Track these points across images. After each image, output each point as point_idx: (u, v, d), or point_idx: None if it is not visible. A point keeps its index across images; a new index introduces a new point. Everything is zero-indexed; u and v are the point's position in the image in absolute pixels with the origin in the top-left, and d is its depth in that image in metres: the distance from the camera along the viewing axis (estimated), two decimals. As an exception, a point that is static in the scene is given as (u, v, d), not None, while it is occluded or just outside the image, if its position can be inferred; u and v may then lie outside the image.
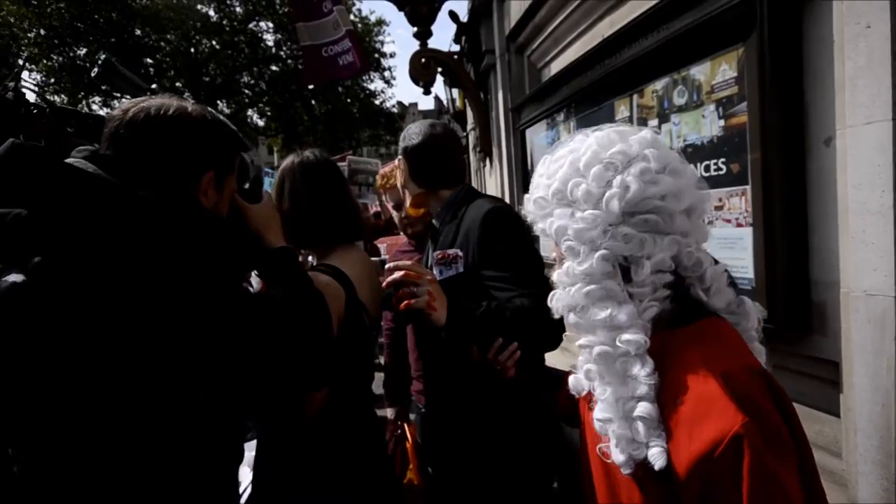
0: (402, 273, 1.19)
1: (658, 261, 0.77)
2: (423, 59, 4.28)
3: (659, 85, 2.12)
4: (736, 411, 0.64)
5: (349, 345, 1.33)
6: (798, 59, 1.55)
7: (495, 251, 1.35)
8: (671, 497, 0.70)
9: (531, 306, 1.23)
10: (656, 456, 0.69)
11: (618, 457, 0.73)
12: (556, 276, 0.84)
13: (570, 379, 0.87)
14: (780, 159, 1.56)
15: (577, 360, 0.84)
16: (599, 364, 0.78)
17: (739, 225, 1.73)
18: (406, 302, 1.17)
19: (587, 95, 2.75)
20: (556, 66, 3.52)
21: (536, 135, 3.64)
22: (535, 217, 0.89)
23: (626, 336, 0.75)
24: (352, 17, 18.03)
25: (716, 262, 0.85)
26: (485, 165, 4.68)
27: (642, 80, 2.21)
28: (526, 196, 0.91)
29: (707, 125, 1.86)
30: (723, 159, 1.79)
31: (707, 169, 1.85)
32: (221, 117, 1.07)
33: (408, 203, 1.67)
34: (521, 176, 3.89)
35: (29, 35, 13.76)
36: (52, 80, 14.26)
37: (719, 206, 1.80)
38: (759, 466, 0.62)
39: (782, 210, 1.57)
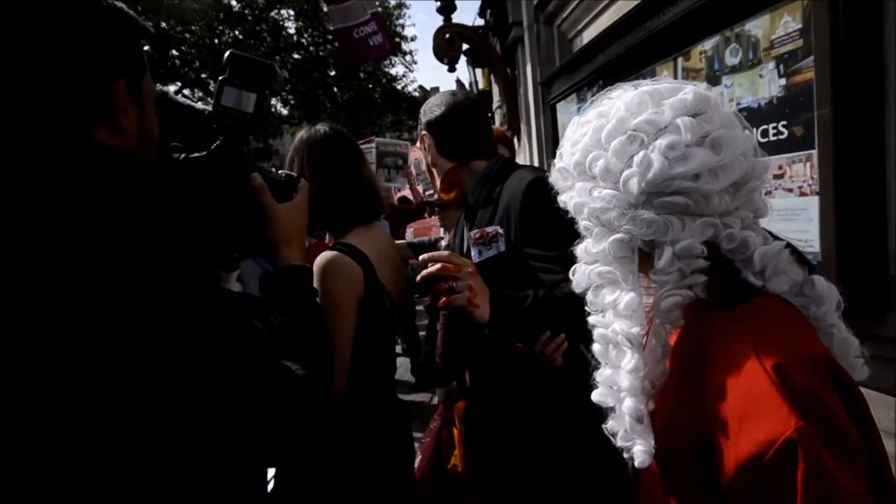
0: (438, 266, 1.05)
1: (684, 247, 0.68)
2: (447, 35, 4.13)
3: (708, 45, 1.95)
4: (789, 413, 0.55)
5: (369, 329, 1.25)
6: (876, 3, 1.37)
7: (540, 227, 1.20)
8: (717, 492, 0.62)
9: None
10: (638, 454, 0.68)
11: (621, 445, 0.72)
12: (578, 250, 0.79)
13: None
14: (855, 116, 1.39)
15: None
16: (601, 344, 0.76)
17: (803, 194, 1.57)
18: (445, 299, 1.04)
19: (624, 63, 2.58)
20: (588, 35, 3.33)
21: (567, 110, 3.47)
22: (558, 188, 0.82)
23: (617, 325, 0.71)
24: None
25: (774, 237, 0.73)
26: (514, 144, 4.53)
27: (688, 41, 2.04)
28: (553, 162, 0.82)
29: (765, 85, 1.69)
30: (783, 122, 1.62)
31: (765, 134, 1.68)
32: None
33: (438, 184, 1.52)
34: (552, 154, 3.73)
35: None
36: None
37: (779, 175, 1.64)
38: (817, 473, 0.54)
39: (857, 174, 1.41)
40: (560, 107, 3.55)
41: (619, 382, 0.71)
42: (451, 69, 4.32)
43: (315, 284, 1.15)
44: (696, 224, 0.68)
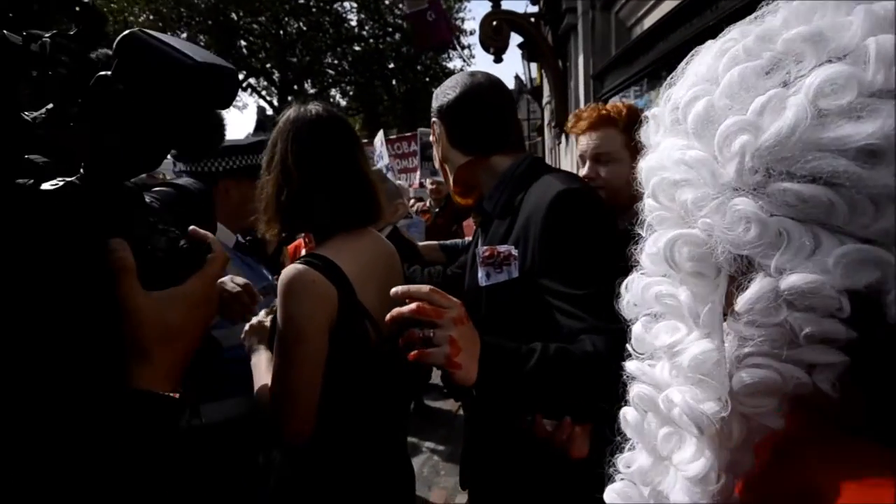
0: (412, 307, 0.76)
1: (802, 285, 0.34)
2: (494, 23, 3.83)
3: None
4: None
5: (344, 363, 1.00)
6: None
7: (566, 254, 0.92)
8: None
9: (607, 353, 0.82)
10: None
11: None
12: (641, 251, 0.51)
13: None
14: None
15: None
16: (637, 411, 0.48)
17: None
18: (419, 352, 0.75)
19: (690, 51, 2.20)
20: (650, 22, 2.94)
21: (621, 106, 3.10)
22: (645, 146, 0.52)
23: (677, 391, 0.42)
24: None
25: None
26: (560, 143, 4.18)
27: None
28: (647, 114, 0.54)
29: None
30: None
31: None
32: None
33: (451, 183, 1.21)
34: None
35: (139, 20, 14.92)
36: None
37: None
38: None
39: None
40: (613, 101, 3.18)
41: (665, 491, 0.44)
42: (498, 59, 4.02)
43: (276, 303, 0.98)
44: (842, 251, 0.34)
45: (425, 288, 0.79)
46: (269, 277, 1.70)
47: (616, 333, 0.81)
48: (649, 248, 0.47)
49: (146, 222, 0.61)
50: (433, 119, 1.17)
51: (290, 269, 1.00)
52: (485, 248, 1.04)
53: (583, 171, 1.50)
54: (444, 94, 1.15)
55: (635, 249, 0.50)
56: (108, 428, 0.50)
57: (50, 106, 0.61)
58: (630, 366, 0.49)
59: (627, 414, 0.49)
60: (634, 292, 0.49)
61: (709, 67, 0.41)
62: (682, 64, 0.49)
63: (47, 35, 0.59)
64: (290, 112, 1.12)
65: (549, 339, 0.87)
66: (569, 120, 1.63)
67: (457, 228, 3.74)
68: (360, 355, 1.03)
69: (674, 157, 0.42)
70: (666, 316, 0.46)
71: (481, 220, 1.21)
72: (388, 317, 0.78)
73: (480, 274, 1.04)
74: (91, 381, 0.53)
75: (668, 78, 0.48)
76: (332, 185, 1.08)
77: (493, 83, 1.16)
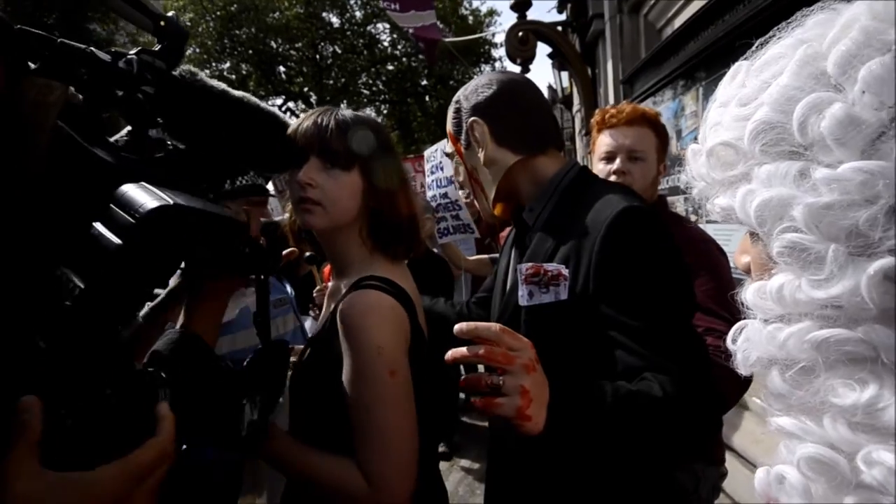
0: (481, 350, 0.67)
1: None
2: (520, 34, 3.81)
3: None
4: None
5: (422, 394, 0.90)
6: None
7: (627, 281, 0.82)
8: None
9: (676, 396, 0.74)
10: None
11: None
12: (751, 295, 0.44)
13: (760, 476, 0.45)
14: None
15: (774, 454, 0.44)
16: (809, 476, 0.39)
17: None
18: (485, 401, 0.68)
19: (725, 48, 2.10)
20: (680, 22, 2.84)
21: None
22: (706, 186, 0.48)
23: (887, 456, 0.34)
24: (462, 9, 18.16)
25: None
26: (591, 151, 4.08)
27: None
28: (691, 150, 0.49)
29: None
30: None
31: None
32: None
33: (491, 193, 1.05)
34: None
35: (187, 53, 15.81)
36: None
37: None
38: None
39: None
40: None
41: None
42: (525, 70, 3.98)
43: (347, 339, 0.84)
44: None
45: (495, 327, 0.69)
46: (287, 290, 1.73)
47: (672, 376, 0.75)
48: (809, 292, 0.38)
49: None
50: (471, 119, 1.02)
51: (364, 296, 0.86)
52: (529, 265, 0.94)
53: (605, 167, 1.46)
54: (477, 92, 1.03)
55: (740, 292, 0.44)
56: None
57: (129, 128, 0.60)
58: (786, 423, 0.42)
59: (789, 477, 0.41)
60: (759, 344, 0.43)
61: (799, 76, 0.38)
62: (726, 89, 0.45)
63: (132, 52, 0.57)
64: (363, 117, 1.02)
65: (597, 371, 0.80)
66: (598, 114, 1.58)
67: (490, 241, 3.69)
68: (426, 385, 0.93)
69: (814, 178, 0.37)
70: (829, 368, 0.38)
71: (516, 234, 1.10)
72: (448, 355, 0.70)
73: (522, 292, 0.94)
74: None
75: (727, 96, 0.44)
76: (404, 203, 1.01)
77: (526, 78, 1.10)
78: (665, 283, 0.83)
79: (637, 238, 0.84)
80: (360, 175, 0.92)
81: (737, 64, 0.46)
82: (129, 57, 0.56)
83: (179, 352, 0.66)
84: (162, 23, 0.59)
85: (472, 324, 0.69)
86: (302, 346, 1.07)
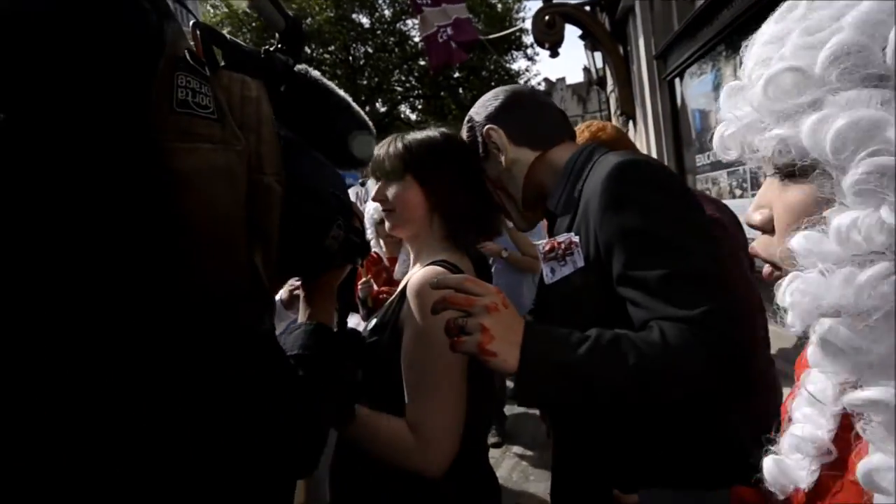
0: (442, 294, 0.77)
1: None
2: (546, 17, 3.75)
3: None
4: None
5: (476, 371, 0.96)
6: None
7: (627, 229, 0.80)
8: None
9: (681, 344, 0.72)
10: None
11: None
12: (802, 241, 0.40)
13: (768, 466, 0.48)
14: None
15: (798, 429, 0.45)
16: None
17: None
18: (452, 340, 0.76)
19: (765, 10, 2.00)
20: (714, -10, 2.72)
21: (689, 84, 2.88)
22: (756, 118, 0.44)
23: None
24: (491, -4, 17.97)
25: None
26: (626, 130, 3.97)
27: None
28: (729, 87, 0.47)
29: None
30: None
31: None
32: None
33: (519, 196, 1.07)
34: (672, 137, 3.16)
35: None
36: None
37: None
38: None
39: None
40: (679, 81, 2.96)
41: None
42: (554, 54, 3.91)
43: (413, 305, 0.93)
44: None
45: (461, 277, 0.79)
46: None
47: (681, 323, 0.73)
48: (875, 234, 0.35)
49: None
50: (486, 128, 1.05)
51: (431, 270, 0.96)
52: (544, 242, 0.96)
53: None
54: (486, 105, 1.09)
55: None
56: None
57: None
58: (872, 393, 0.38)
59: (874, 432, 0.38)
60: (814, 291, 0.38)
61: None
62: (773, 26, 0.43)
63: (262, 50, 0.62)
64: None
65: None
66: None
67: None
68: (478, 368, 0.96)
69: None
70: None
71: (548, 226, 1.12)
72: (432, 306, 0.79)
73: (545, 271, 0.96)
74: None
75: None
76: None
77: (528, 86, 1.14)
78: (668, 229, 0.79)
79: (632, 187, 0.82)
80: (416, 183, 1.05)
81: (789, 2, 0.43)
82: (279, 56, 0.61)
83: (326, 344, 0.76)
84: (287, 21, 0.65)
85: (442, 277, 0.80)
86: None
